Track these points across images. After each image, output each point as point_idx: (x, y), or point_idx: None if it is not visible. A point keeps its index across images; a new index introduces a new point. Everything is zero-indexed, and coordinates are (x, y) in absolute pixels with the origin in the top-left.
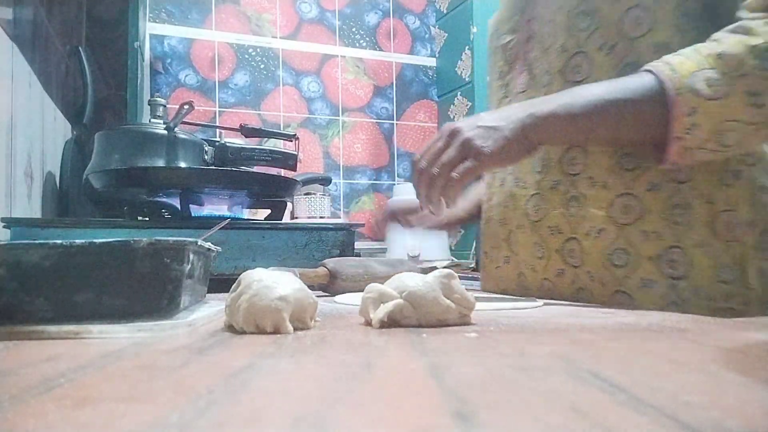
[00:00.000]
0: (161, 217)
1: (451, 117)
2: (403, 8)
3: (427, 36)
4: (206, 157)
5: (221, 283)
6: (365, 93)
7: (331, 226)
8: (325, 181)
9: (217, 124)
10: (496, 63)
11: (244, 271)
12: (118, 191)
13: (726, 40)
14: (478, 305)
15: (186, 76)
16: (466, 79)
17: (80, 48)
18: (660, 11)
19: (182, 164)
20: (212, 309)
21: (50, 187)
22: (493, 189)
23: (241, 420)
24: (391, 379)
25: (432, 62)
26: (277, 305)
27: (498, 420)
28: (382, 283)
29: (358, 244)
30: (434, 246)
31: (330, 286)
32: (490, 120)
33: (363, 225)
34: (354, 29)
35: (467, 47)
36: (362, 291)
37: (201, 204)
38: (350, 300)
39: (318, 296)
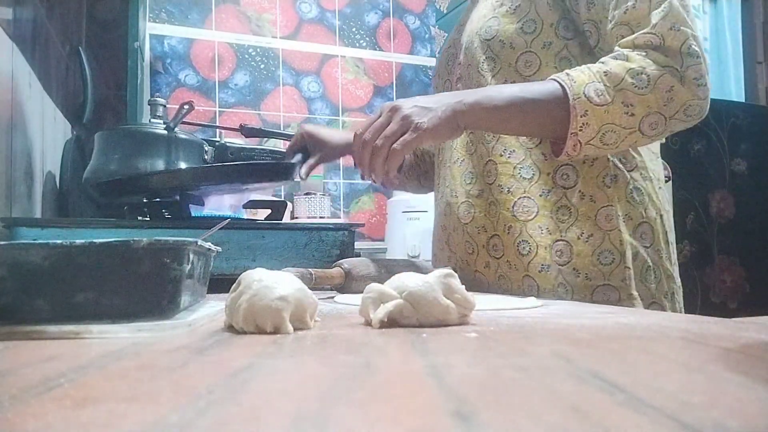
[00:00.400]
0: (161, 217)
1: None
2: (403, 8)
3: (427, 36)
4: (206, 157)
5: (221, 283)
6: (365, 93)
7: (331, 226)
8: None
9: (217, 124)
10: None
11: (244, 271)
12: (118, 191)
13: (610, 63)
14: (478, 305)
15: (186, 76)
16: None
17: (80, 48)
18: (544, 56)
19: (182, 164)
20: (212, 309)
21: (50, 187)
22: (437, 201)
23: (241, 420)
24: (391, 379)
25: (432, 62)
26: (277, 305)
27: (498, 420)
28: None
29: (358, 244)
30: None
31: (346, 286)
32: (425, 102)
33: (363, 225)
34: (354, 29)
35: None
36: None
37: (201, 204)
38: (350, 300)
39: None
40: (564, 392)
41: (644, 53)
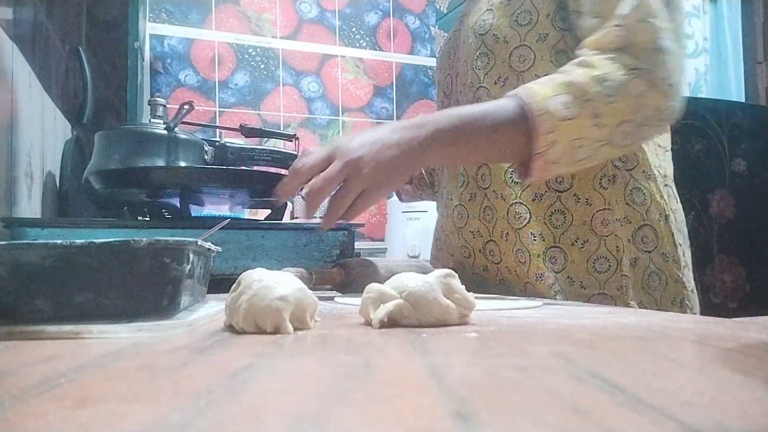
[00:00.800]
0: (161, 217)
1: None
2: (403, 8)
3: (427, 36)
4: (206, 157)
5: (221, 283)
6: (365, 93)
7: (331, 226)
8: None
9: (217, 124)
10: (438, 95)
11: (244, 271)
12: (118, 191)
13: (574, 72)
14: (478, 305)
15: (186, 76)
16: None
17: (80, 48)
18: (539, 49)
19: (182, 164)
20: (212, 309)
21: (50, 187)
22: (437, 202)
23: (241, 420)
24: (390, 379)
25: (432, 62)
26: (277, 305)
27: (498, 420)
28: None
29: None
30: None
31: (346, 286)
32: (373, 136)
33: (363, 225)
34: (354, 29)
35: None
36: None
37: (201, 204)
38: (350, 300)
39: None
40: (564, 392)
41: (612, 56)
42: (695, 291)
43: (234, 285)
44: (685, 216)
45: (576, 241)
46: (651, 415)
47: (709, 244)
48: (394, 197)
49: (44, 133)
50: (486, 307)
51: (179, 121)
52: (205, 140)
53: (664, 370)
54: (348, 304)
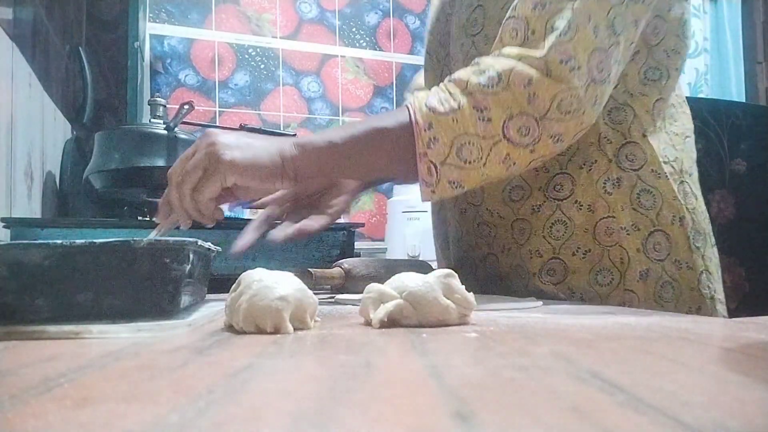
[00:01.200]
0: None
1: None
2: (403, 8)
3: None
4: None
5: (221, 283)
6: (365, 93)
7: (331, 226)
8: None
9: (217, 124)
10: (428, 76)
11: (244, 271)
12: (118, 191)
13: (458, 72)
14: (478, 305)
15: (186, 76)
16: None
17: (80, 48)
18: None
19: None
20: (212, 309)
21: (50, 187)
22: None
23: (241, 420)
24: (391, 379)
25: None
26: (277, 305)
27: (498, 420)
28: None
29: (358, 244)
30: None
31: (346, 286)
32: (251, 138)
33: (363, 225)
34: (354, 29)
35: None
36: None
37: None
38: (350, 300)
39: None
40: (564, 392)
41: (506, 51)
42: (716, 297)
43: (234, 285)
44: None
45: (577, 251)
46: (651, 415)
47: None
48: (394, 197)
49: (44, 133)
50: (486, 307)
51: (179, 121)
52: None
53: (664, 370)
54: (348, 304)
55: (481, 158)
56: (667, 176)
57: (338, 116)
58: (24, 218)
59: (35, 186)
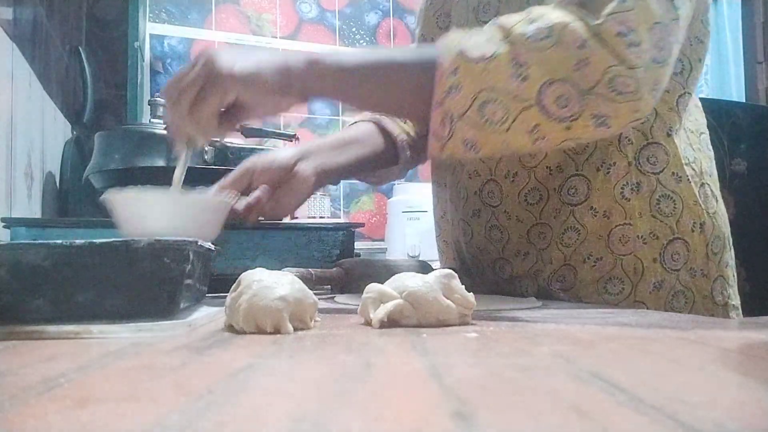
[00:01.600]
0: None
1: None
2: (403, 8)
3: None
4: (206, 157)
5: (221, 283)
6: None
7: (331, 226)
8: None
9: None
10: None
11: (244, 271)
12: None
13: (507, 16)
14: (478, 305)
15: None
16: None
17: (80, 48)
18: None
19: None
20: (212, 309)
21: (50, 187)
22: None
23: (241, 420)
24: (391, 379)
25: None
26: (277, 305)
27: (498, 420)
28: None
29: (358, 244)
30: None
31: (346, 286)
32: (255, 52)
33: (363, 225)
34: (354, 29)
35: None
36: None
37: None
38: (350, 300)
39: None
40: (564, 392)
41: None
42: (730, 303)
43: (234, 285)
44: None
45: (588, 258)
46: (651, 415)
47: None
48: (394, 197)
49: (44, 133)
50: (486, 307)
51: None
52: None
53: (664, 370)
54: (348, 304)
55: (506, 121)
56: (688, 179)
57: (338, 116)
58: (24, 218)
59: (35, 186)
